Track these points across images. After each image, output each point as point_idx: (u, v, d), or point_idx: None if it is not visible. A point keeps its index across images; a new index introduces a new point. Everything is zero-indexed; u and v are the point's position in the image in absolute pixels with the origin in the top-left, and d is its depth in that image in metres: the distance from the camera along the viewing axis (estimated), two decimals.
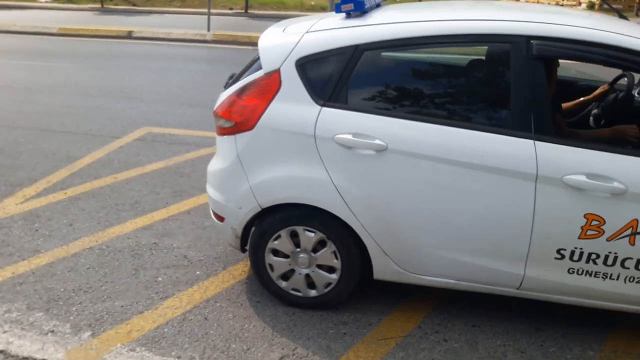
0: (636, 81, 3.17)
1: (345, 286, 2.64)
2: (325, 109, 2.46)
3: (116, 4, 20.28)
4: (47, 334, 2.49)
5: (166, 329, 2.53)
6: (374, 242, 2.51)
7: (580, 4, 21.71)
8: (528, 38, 2.30)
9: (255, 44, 10.35)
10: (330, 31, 2.55)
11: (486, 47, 2.59)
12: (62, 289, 2.81)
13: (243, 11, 18.61)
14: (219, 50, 10.65)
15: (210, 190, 2.82)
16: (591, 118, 3.29)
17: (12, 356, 2.35)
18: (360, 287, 2.70)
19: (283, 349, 2.42)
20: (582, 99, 3.42)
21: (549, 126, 2.32)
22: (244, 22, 15.50)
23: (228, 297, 2.78)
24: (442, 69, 2.81)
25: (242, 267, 3.06)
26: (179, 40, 11.31)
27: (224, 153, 2.71)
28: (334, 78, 2.47)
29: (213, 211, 2.82)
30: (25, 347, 2.40)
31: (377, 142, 2.38)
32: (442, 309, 2.72)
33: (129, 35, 11.64)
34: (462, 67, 2.65)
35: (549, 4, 22.41)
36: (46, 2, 21.76)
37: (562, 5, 21.97)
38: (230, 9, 19.35)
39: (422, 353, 2.41)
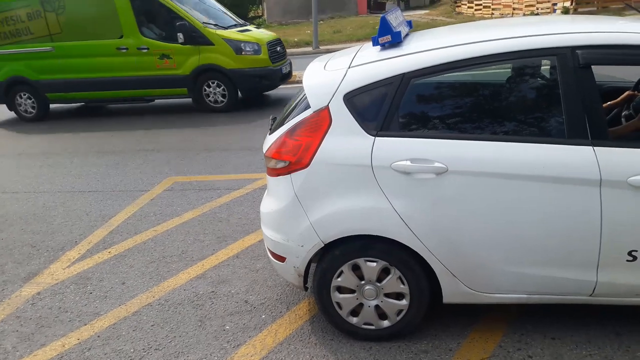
0: None
1: (417, 311, 2.63)
2: (379, 138, 2.50)
3: None
4: None
5: None
6: (442, 265, 2.52)
7: (554, 10, 22.31)
8: (573, 48, 2.37)
9: None
10: (374, 64, 2.61)
11: (531, 62, 2.65)
12: (132, 350, 2.78)
13: None
14: None
15: (267, 231, 2.82)
16: (623, 119, 3.35)
17: None
18: (431, 314, 2.69)
19: None
20: (609, 103, 3.49)
21: (604, 131, 2.37)
22: None
23: (300, 338, 2.76)
24: (490, 87, 2.88)
25: (305, 306, 3.04)
26: None
27: (279, 193, 2.73)
28: (384, 108, 2.52)
29: (272, 252, 2.82)
30: None
31: (437, 164, 2.41)
32: (518, 325, 2.71)
33: None
34: (511, 84, 2.72)
35: (524, 13, 22.80)
36: None
37: (537, 13, 22.57)
38: None
39: None
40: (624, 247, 2.35)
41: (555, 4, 22.56)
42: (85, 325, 3.03)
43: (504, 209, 2.41)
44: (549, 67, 2.55)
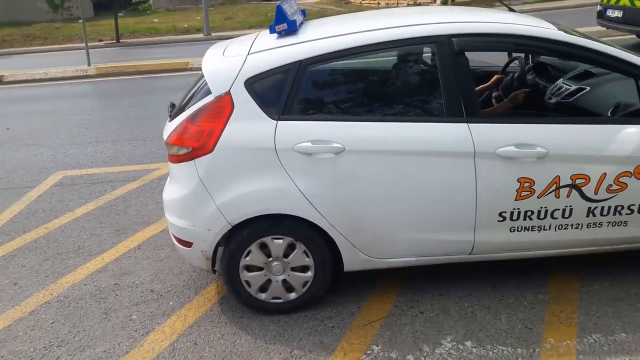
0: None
1: (322, 281, 2.80)
2: (281, 122, 2.62)
3: None
4: None
5: None
6: (343, 237, 2.71)
7: (435, 1, 23.81)
8: (449, 37, 2.65)
9: (142, 73, 10.25)
10: (273, 51, 2.72)
11: (414, 49, 2.90)
12: (31, 349, 2.66)
13: (114, 41, 18.02)
14: (105, 83, 10.23)
15: (172, 218, 2.83)
16: (493, 100, 3.78)
17: None
18: (334, 284, 2.88)
19: (280, 353, 2.53)
20: (481, 86, 3.90)
21: (476, 109, 2.69)
22: (120, 52, 14.99)
23: (210, 320, 2.82)
24: (379, 73, 3.11)
25: (214, 289, 3.10)
26: (58, 79, 10.65)
27: (183, 179, 2.75)
28: (284, 93, 2.64)
29: (177, 238, 2.84)
30: None
31: (335, 145, 2.59)
32: (410, 286, 2.99)
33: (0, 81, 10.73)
34: (397, 69, 2.96)
35: (407, 4, 24.16)
36: None
37: (418, 4, 23.96)
38: (100, 40, 18.59)
39: (406, 328, 2.66)
40: (495, 209, 2.69)
41: None
42: None
43: (394, 182, 2.65)
44: (430, 53, 2.83)
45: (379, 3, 26.36)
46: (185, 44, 15.96)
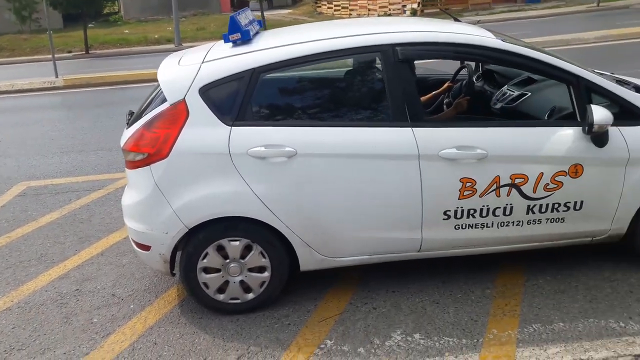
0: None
1: (279, 281, 2.90)
2: (235, 128, 2.73)
3: None
4: None
5: None
6: (298, 237, 2.82)
7: (404, 12, 24.33)
8: (393, 45, 2.80)
9: (110, 84, 10.30)
10: (226, 59, 2.83)
11: (362, 58, 3.04)
12: None
13: (84, 52, 17.91)
14: (73, 94, 10.19)
15: (130, 222, 2.91)
16: (444, 106, 3.97)
17: None
18: (291, 284, 2.99)
19: (237, 350, 2.62)
20: (433, 93, 4.08)
21: (420, 114, 2.85)
22: (90, 63, 14.92)
23: (170, 321, 2.89)
24: (329, 80, 3.26)
25: (174, 292, 3.17)
26: (25, 91, 10.58)
27: (139, 184, 2.83)
28: (238, 100, 2.75)
29: (136, 242, 2.91)
30: None
31: (287, 149, 2.71)
32: (365, 284, 3.12)
33: None
34: (346, 77, 3.11)
35: (378, 14, 24.60)
36: None
37: (389, 14, 24.44)
38: (69, 51, 18.46)
39: (359, 323, 2.78)
40: (440, 208, 2.84)
41: (404, 6, 24.62)
42: None
43: (345, 185, 2.77)
44: (376, 61, 2.98)
45: (350, 14, 26.78)
46: (156, 54, 15.93)
